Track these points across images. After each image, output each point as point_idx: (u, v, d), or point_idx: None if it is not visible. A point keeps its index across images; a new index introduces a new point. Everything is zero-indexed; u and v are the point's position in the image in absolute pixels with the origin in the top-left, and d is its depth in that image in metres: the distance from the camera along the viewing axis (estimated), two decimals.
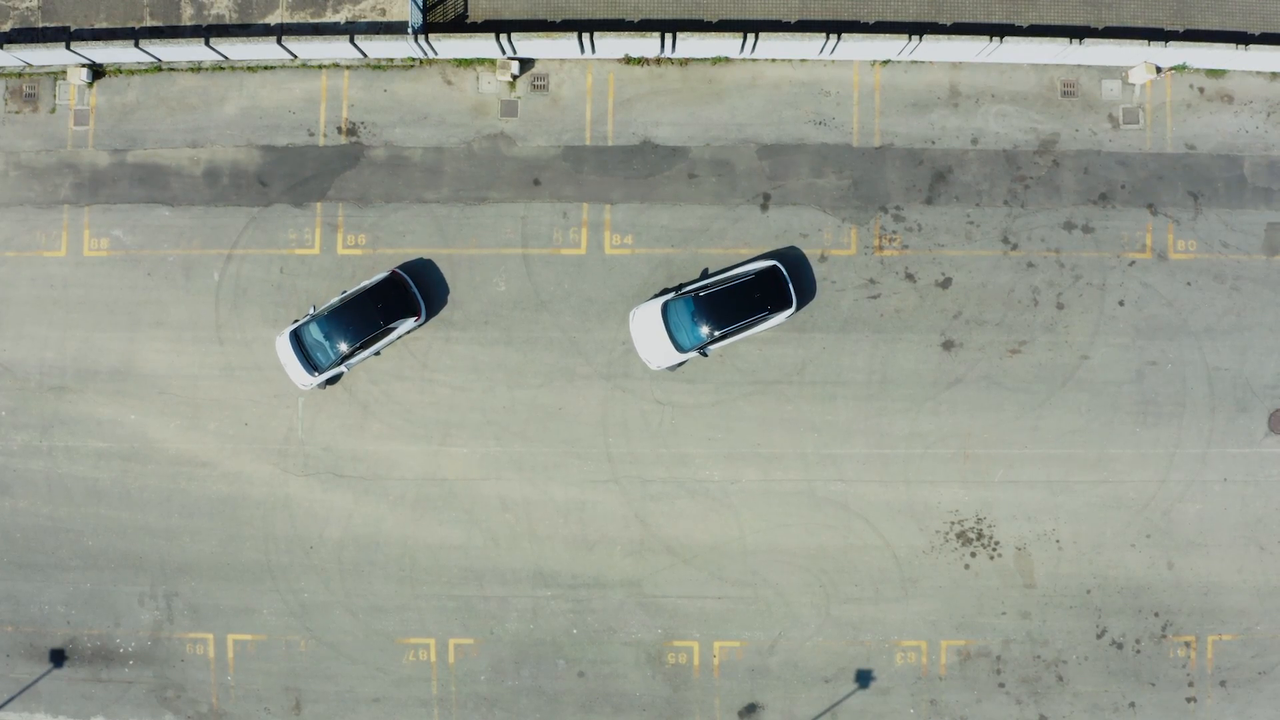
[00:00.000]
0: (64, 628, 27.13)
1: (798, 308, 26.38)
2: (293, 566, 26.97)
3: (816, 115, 27.16)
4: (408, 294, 26.06)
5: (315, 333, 25.77)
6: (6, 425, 27.14)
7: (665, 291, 26.53)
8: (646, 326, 25.96)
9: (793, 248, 26.40)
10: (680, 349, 25.76)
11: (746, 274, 25.67)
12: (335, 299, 26.06)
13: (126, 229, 27.20)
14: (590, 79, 27.28)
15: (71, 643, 27.15)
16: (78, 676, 27.14)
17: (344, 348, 25.62)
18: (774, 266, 25.77)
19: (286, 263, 27.12)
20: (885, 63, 27.16)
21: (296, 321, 26.20)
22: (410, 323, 26.12)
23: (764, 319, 25.66)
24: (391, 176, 27.12)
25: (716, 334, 25.47)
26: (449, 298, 26.88)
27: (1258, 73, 27.15)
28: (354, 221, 27.09)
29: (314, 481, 26.91)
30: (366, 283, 26.04)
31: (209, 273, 27.12)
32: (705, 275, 26.36)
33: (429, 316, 26.63)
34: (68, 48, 25.99)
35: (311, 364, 25.86)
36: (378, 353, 26.50)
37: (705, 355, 26.02)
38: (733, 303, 25.40)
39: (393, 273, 26.11)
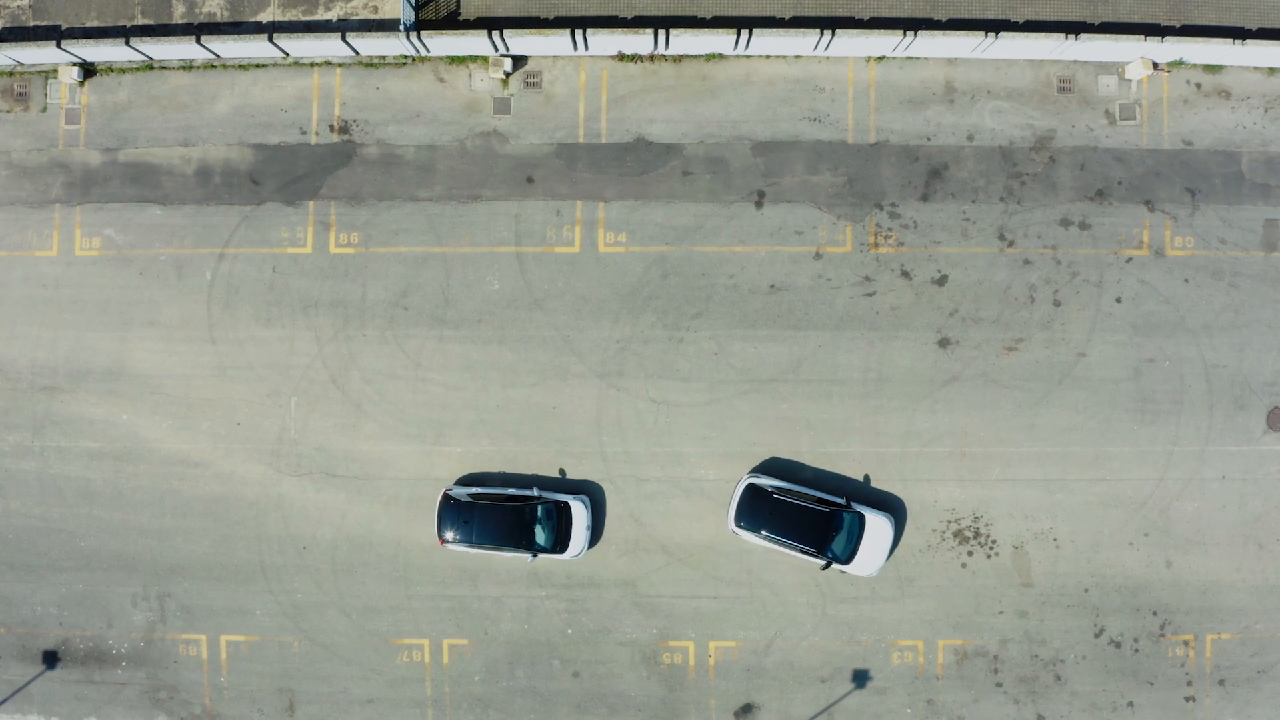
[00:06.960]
0: (56, 629, 27.01)
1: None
2: (286, 567, 26.84)
3: (811, 112, 27.02)
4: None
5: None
6: None
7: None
8: (872, 552, 25.97)
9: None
10: (862, 528, 25.89)
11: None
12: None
13: (118, 228, 27.08)
14: (583, 76, 27.15)
15: (64, 644, 27.02)
16: (70, 678, 27.02)
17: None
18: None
19: (279, 261, 26.99)
20: (880, 59, 27.02)
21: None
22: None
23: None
24: (384, 175, 26.99)
25: (817, 495, 25.99)
26: (444, 296, 26.78)
27: (1255, 68, 27.00)
28: (346, 220, 26.96)
29: (307, 481, 26.78)
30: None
31: (201, 272, 27.00)
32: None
33: None
34: (59, 46, 25.89)
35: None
36: None
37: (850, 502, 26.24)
38: (796, 515, 25.77)
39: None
